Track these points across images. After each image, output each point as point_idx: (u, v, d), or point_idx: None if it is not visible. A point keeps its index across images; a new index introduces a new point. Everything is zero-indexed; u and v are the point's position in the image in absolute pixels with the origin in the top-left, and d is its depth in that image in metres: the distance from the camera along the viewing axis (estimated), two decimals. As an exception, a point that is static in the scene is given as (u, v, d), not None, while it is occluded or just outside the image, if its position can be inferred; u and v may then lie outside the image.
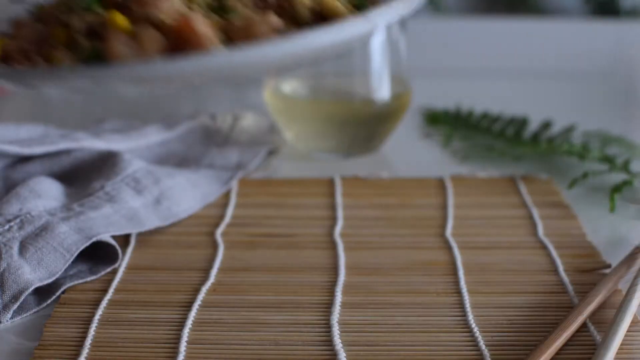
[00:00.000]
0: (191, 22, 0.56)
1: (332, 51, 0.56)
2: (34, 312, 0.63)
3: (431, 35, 1.52)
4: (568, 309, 0.63)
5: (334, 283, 0.67)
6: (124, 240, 0.74)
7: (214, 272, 0.69)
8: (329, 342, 0.59)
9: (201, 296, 0.65)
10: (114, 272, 0.69)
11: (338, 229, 0.77)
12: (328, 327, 0.61)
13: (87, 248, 0.68)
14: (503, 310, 0.63)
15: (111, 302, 0.64)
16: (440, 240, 0.75)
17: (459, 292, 0.66)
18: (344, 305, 0.64)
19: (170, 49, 0.57)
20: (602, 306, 0.64)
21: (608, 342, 0.57)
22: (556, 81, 1.32)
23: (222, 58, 0.53)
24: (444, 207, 0.82)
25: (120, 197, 0.76)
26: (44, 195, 0.74)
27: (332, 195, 0.85)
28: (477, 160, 0.96)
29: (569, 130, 1.02)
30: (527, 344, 0.59)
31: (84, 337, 0.59)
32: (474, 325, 0.61)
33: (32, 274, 0.64)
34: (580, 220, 0.79)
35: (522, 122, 1.05)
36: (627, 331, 0.59)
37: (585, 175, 0.86)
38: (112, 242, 0.70)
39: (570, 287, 0.67)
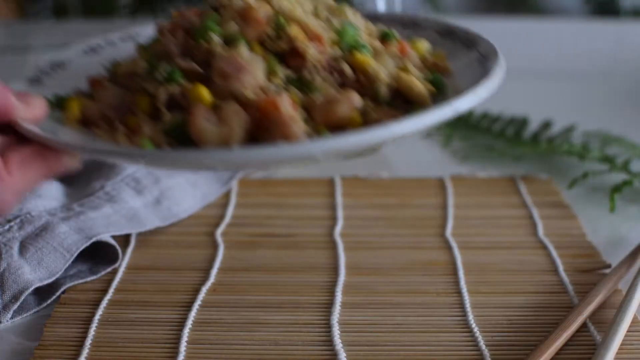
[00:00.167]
0: (277, 102, 0.57)
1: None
2: (34, 312, 0.63)
3: (431, 35, 1.52)
4: (568, 309, 0.63)
5: (334, 283, 0.67)
6: (124, 240, 0.74)
7: (214, 272, 0.69)
8: (329, 342, 0.59)
9: (201, 296, 0.65)
10: (114, 272, 0.69)
11: (338, 229, 0.77)
12: (328, 327, 0.61)
13: (87, 248, 0.68)
14: (503, 310, 0.63)
15: (111, 302, 0.64)
16: (440, 240, 0.75)
17: (459, 292, 0.66)
18: (344, 305, 0.64)
19: (252, 126, 0.57)
20: (602, 306, 0.64)
21: (608, 342, 0.57)
22: (556, 81, 1.32)
23: (307, 148, 0.53)
24: (444, 207, 0.82)
25: (120, 197, 0.76)
26: (44, 195, 0.74)
27: (332, 195, 0.85)
28: (477, 160, 0.96)
29: (569, 130, 1.02)
30: (527, 344, 0.59)
31: (84, 337, 0.59)
32: (474, 325, 0.61)
33: (32, 274, 0.64)
34: (580, 220, 0.79)
35: (522, 122, 1.05)
36: (627, 331, 0.59)
37: (585, 175, 0.86)
38: (112, 242, 0.70)
39: (570, 287, 0.67)
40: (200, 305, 0.63)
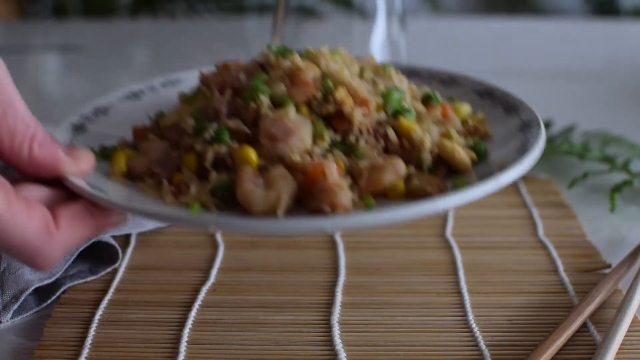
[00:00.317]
0: (325, 169, 0.57)
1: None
2: (34, 312, 0.63)
3: (431, 35, 1.52)
4: (568, 309, 0.64)
5: (334, 283, 0.67)
6: (124, 240, 0.74)
7: (214, 272, 0.69)
8: (329, 342, 0.59)
9: (201, 296, 0.65)
10: (114, 272, 0.69)
11: (338, 229, 0.77)
12: (328, 327, 0.61)
13: (87, 248, 0.69)
14: (503, 310, 0.63)
15: (111, 302, 0.64)
16: (440, 240, 0.75)
17: (459, 292, 0.66)
18: (344, 305, 0.64)
19: (298, 190, 0.58)
20: (602, 306, 0.64)
21: (608, 342, 0.57)
22: (556, 81, 1.32)
23: (354, 221, 0.54)
24: (444, 207, 0.82)
25: (120, 197, 0.75)
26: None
27: (332, 195, 0.85)
28: (477, 160, 0.96)
29: (569, 130, 1.02)
30: (527, 344, 0.59)
31: (84, 337, 0.59)
32: (474, 325, 0.61)
33: (32, 274, 0.64)
34: (580, 220, 0.79)
35: (522, 122, 1.05)
36: (627, 331, 0.59)
37: (585, 175, 0.86)
38: (112, 242, 0.70)
39: (570, 287, 0.67)
40: (200, 305, 0.63)
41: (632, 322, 0.60)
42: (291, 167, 0.58)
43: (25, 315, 0.63)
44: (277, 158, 0.59)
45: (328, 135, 0.61)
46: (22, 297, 0.62)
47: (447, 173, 0.62)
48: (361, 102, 0.62)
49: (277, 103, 0.62)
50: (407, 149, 0.62)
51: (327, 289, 0.66)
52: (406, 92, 0.66)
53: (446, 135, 0.64)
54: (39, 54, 1.42)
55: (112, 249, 0.70)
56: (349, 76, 0.64)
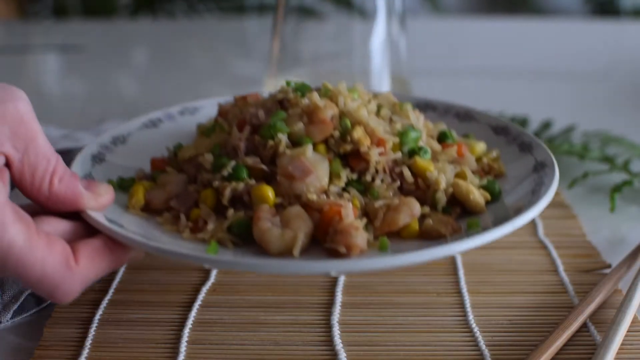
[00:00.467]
0: (341, 211, 0.58)
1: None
2: (34, 312, 0.63)
3: (431, 35, 1.52)
4: (568, 309, 0.64)
5: (334, 283, 0.67)
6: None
7: (214, 272, 0.69)
8: (329, 342, 0.59)
9: (201, 296, 0.65)
10: (114, 272, 0.69)
11: (338, 229, 0.77)
12: (328, 327, 0.61)
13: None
14: (503, 310, 0.63)
15: (111, 302, 0.64)
16: (440, 240, 0.75)
17: (459, 292, 0.66)
18: (344, 305, 0.64)
19: (314, 228, 0.59)
20: (602, 306, 0.64)
21: (608, 342, 0.57)
22: (556, 81, 1.32)
23: (368, 265, 0.55)
24: (444, 207, 0.82)
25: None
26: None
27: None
28: (477, 160, 0.96)
29: (569, 130, 1.02)
30: (527, 344, 0.59)
31: (84, 337, 0.59)
32: (474, 325, 0.61)
33: (32, 274, 0.64)
34: (580, 220, 0.79)
35: (522, 122, 1.05)
36: (627, 331, 0.59)
37: (585, 175, 0.86)
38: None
39: (570, 287, 0.67)
40: (200, 305, 0.63)
41: (632, 322, 0.60)
42: (308, 206, 0.59)
43: (25, 315, 0.63)
44: (294, 196, 0.60)
45: (344, 174, 0.62)
46: (22, 297, 0.62)
47: (461, 212, 0.63)
48: (378, 142, 0.63)
49: (295, 141, 0.63)
50: (422, 189, 0.64)
51: (327, 289, 0.66)
52: (422, 130, 0.67)
53: (461, 175, 0.65)
54: (39, 54, 1.42)
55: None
56: (366, 115, 0.64)
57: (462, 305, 0.64)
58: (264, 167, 0.62)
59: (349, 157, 0.63)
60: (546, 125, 1.04)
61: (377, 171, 0.63)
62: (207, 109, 0.77)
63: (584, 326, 0.61)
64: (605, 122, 1.04)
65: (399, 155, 0.64)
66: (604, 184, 0.88)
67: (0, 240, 0.50)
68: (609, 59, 1.45)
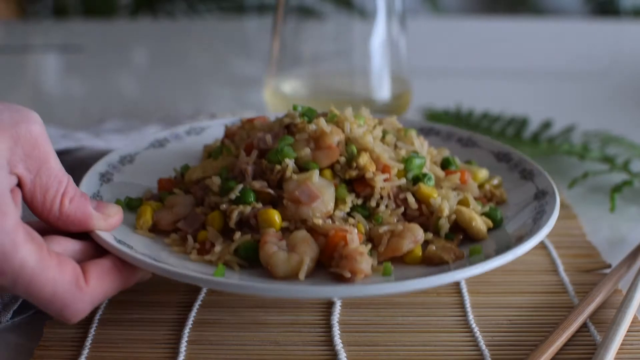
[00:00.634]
0: (347, 237, 0.60)
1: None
2: (34, 312, 0.63)
3: (431, 35, 1.52)
4: (568, 309, 0.63)
5: (334, 283, 0.67)
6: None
7: (214, 272, 0.69)
8: (329, 342, 0.59)
9: (201, 296, 0.65)
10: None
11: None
12: (328, 327, 0.61)
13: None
14: (503, 310, 0.63)
15: (111, 302, 0.64)
16: (440, 240, 0.75)
17: (459, 292, 0.66)
18: (344, 305, 0.64)
19: (319, 253, 0.60)
20: (602, 306, 0.64)
21: (608, 342, 0.57)
22: (556, 81, 1.32)
23: (373, 290, 0.56)
24: (444, 207, 0.82)
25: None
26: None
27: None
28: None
29: (569, 130, 1.02)
30: (527, 344, 0.59)
31: (84, 337, 0.59)
32: (474, 325, 0.61)
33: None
34: (580, 220, 0.79)
35: (522, 122, 1.05)
36: (627, 331, 0.59)
37: (585, 175, 0.86)
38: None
39: (570, 287, 0.67)
40: (200, 305, 0.63)
41: (632, 322, 0.60)
42: (313, 230, 0.61)
43: (25, 315, 0.63)
44: (300, 221, 0.61)
45: (350, 199, 0.63)
46: (22, 297, 0.62)
47: (463, 239, 0.64)
48: (383, 168, 0.65)
49: (302, 166, 0.64)
50: (426, 215, 0.65)
51: (327, 289, 0.66)
52: (426, 156, 0.68)
53: (464, 202, 0.66)
54: (39, 54, 1.42)
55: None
56: (372, 141, 0.66)
57: (462, 305, 0.64)
58: (270, 191, 0.63)
59: (354, 183, 0.64)
60: (546, 125, 1.04)
61: (381, 197, 0.64)
62: (214, 129, 0.78)
63: (584, 326, 0.61)
64: (605, 122, 1.04)
65: (403, 181, 0.65)
66: (604, 184, 0.88)
67: (12, 260, 0.51)
68: (609, 59, 1.45)
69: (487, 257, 0.58)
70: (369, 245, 0.61)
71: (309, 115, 0.67)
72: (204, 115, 0.99)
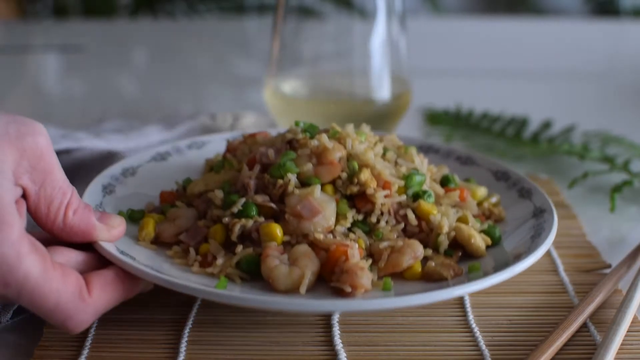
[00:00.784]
0: (348, 252, 0.61)
1: None
2: (34, 313, 0.63)
3: (431, 35, 1.52)
4: (568, 309, 0.63)
5: (334, 283, 0.67)
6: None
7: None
8: (329, 342, 0.59)
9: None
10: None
11: (338, 229, 0.77)
12: (328, 327, 0.61)
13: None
14: (503, 310, 0.63)
15: (111, 302, 0.64)
16: (440, 240, 0.75)
17: (459, 292, 0.66)
18: (344, 305, 0.64)
19: (320, 267, 0.61)
20: (602, 306, 0.64)
21: (608, 342, 0.57)
22: (556, 81, 1.32)
23: (372, 305, 0.57)
24: (444, 207, 0.82)
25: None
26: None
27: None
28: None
29: (569, 130, 1.02)
30: (527, 344, 0.59)
31: (84, 337, 0.59)
32: (474, 325, 0.61)
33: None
34: (580, 220, 0.79)
35: (522, 122, 1.05)
36: (627, 331, 0.59)
37: (585, 175, 0.86)
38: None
39: (570, 287, 0.67)
40: (200, 306, 0.63)
41: (632, 322, 0.60)
42: (315, 245, 0.61)
43: (25, 315, 0.63)
44: (301, 235, 0.62)
45: (350, 215, 0.64)
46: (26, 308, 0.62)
47: (462, 255, 0.65)
48: (384, 185, 0.65)
49: (304, 181, 0.64)
50: (426, 231, 0.65)
51: (327, 289, 0.66)
52: (426, 173, 0.69)
53: (463, 219, 0.67)
54: (39, 54, 1.42)
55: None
56: (373, 158, 0.66)
57: (462, 305, 0.64)
58: (273, 205, 0.64)
59: (355, 199, 0.65)
60: (546, 125, 1.04)
61: (382, 213, 0.65)
62: (215, 144, 0.79)
63: (584, 326, 0.61)
64: (605, 122, 1.04)
65: (403, 198, 0.66)
66: (604, 184, 0.88)
67: (16, 271, 0.51)
68: (609, 59, 1.45)
69: (486, 274, 0.60)
70: (369, 261, 0.61)
71: (311, 131, 0.68)
72: (204, 115, 0.99)
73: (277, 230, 0.62)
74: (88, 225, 0.58)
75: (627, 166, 0.88)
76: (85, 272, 0.56)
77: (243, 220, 0.62)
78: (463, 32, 1.60)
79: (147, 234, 0.64)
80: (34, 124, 0.55)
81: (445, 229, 0.64)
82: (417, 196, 0.66)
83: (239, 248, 0.61)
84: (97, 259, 0.58)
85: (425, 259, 0.63)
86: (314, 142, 0.65)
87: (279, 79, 0.95)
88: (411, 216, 0.65)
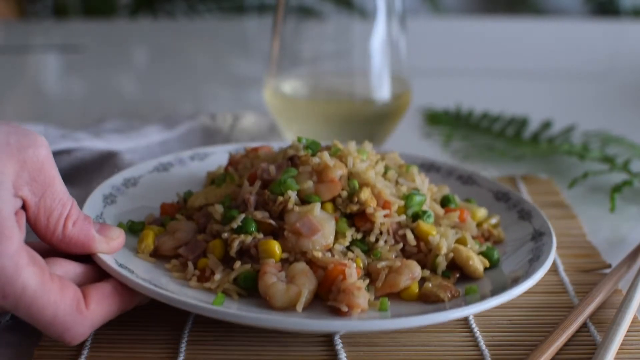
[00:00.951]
0: (346, 271, 0.61)
1: None
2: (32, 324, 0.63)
3: (431, 35, 1.52)
4: (568, 309, 0.63)
5: (334, 283, 0.67)
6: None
7: (214, 272, 0.69)
8: (329, 342, 0.59)
9: (201, 296, 0.65)
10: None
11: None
12: (328, 327, 0.61)
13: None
14: (503, 310, 0.63)
15: (111, 302, 0.64)
16: (440, 240, 0.75)
17: (459, 292, 0.66)
18: (344, 305, 0.64)
19: (317, 286, 0.61)
20: (602, 306, 0.64)
21: (608, 342, 0.57)
22: (556, 81, 1.32)
23: (370, 326, 0.57)
24: (444, 207, 0.82)
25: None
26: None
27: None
28: (478, 160, 0.96)
29: (569, 130, 1.02)
30: (527, 344, 0.59)
31: (84, 337, 0.59)
32: (474, 325, 0.61)
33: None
34: (580, 220, 0.79)
35: (522, 122, 1.05)
36: (627, 331, 0.59)
37: (585, 175, 0.86)
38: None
39: (570, 287, 0.67)
40: (200, 305, 0.63)
41: (632, 322, 0.60)
42: (313, 263, 0.61)
43: (25, 315, 0.62)
44: (300, 252, 0.62)
45: (349, 233, 0.64)
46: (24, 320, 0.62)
47: (460, 277, 0.65)
48: (384, 204, 0.65)
49: (304, 198, 0.65)
50: (424, 252, 0.66)
51: (327, 289, 0.66)
52: (427, 193, 0.69)
53: (462, 240, 0.67)
54: (39, 54, 1.42)
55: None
56: (374, 177, 0.66)
57: (462, 305, 0.64)
58: (272, 222, 0.64)
59: (355, 217, 0.65)
60: (546, 125, 1.04)
61: (381, 232, 0.65)
62: (217, 156, 0.79)
63: (584, 326, 0.61)
64: (605, 122, 1.04)
65: (403, 217, 0.66)
66: (604, 184, 0.88)
67: (14, 283, 0.52)
68: (609, 59, 1.45)
69: (483, 297, 0.60)
70: (367, 280, 0.61)
71: (313, 148, 0.68)
72: (204, 115, 0.99)
73: (276, 247, 0.62)
74: (87, 237, 0.58)
75: (627, 166, 0.88)
76: (83, 284, 0.57)
77: (242, 236, 0.63)
78: (463, 32, 1.60)
79: (147, 247, 0.65)
80: (35, 135, 0.55)
81: (444, 250, 0.64)
82: (416, 216, 0.66)
83: (237, 264, 0.62)
84: (95, 270, 0.59)
85: (422, 280, 0.63)
86: (315, 160, 0.66)
87: (279, 79, 0.95)
88: (410, 236, 0.65)
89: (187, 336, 0.59)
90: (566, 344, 0.58)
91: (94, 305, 0.55)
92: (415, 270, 0.62)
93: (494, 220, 0.71)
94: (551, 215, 0.80)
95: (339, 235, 0.64)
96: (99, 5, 2.23)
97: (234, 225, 0.63)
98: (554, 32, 1.62)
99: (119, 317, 0.61)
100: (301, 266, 0.61)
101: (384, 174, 0.69)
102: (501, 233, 0.70)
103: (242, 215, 0.64)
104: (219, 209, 0.65)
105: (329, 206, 0.64)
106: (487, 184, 0.77)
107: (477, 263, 0.64)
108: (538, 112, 1.07)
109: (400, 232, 0.65)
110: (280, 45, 0.93)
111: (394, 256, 0.64)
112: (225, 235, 0.63)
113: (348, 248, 0.64)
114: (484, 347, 0.59)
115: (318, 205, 0.63)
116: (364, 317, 0.58)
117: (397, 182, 0.69)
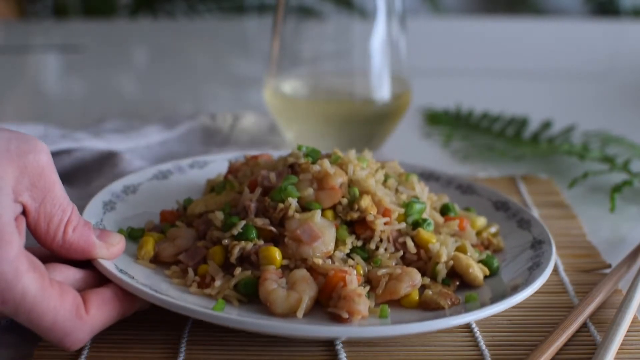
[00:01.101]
0: (346, 278, 0.61)
1: None
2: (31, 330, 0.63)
3: (431, 35, 1.52)
4: (568, 309, 0.63)
5: (334, 283, 0.67)
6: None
7: (214, 272, 0.69)
8: (329, 342, 0.59)
9: (201, 296, 0.65)
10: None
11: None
12: (328, 327, 0.61)
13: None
14: (503, 311, 0.63)
15: (111, 302, 0.64)
16: (440, 241, 0.75)
17: (459, 292, 0.66)
18: (344, 305, 0.64)
19: (318, 292, 0.61)
20: (602, 306, 0.64)
21: (608, 342, 0.57)
22: (556, 81, 1.32)
23: (370, 332, 0.57)
24: (444, 207, 0.82)
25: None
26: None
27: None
28: (478, 160, 0.96)
29: (569, 130, 1.02)
30: (527, 344, 0.59)
31: (84, 337, 0.59)
32: (474, 325, 0.61)
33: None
34: (580, 220, 0.79)
35: (522, 122, 1.05)
36: (627, 331, 0.59)
37: (585, 175, 0.86)
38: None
39: (570, 287, 0.67)
40: (200, 305, 0.63)
41: (632, 322, 0.60)
42: (313, 270, 0.62)
43: (25, 315, 0.62)
44: (300, 259, 0.62)
45: (350, 241, 0.64)
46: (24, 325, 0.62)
47: (460, 284, 0.65)
48: (384, 212, 0.66)
49: (305, 206, 0.65)
50: (424, 260, 0.66)
51: (327, 289, 0.66)
52: (427, 202, 0.69)
53: (462, 248, 0.67)
54: (39, 54, 1.42)
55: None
56: (374, 184, 0.67)
57: (462, 305, 0.64)
58: (272, 229, 0.64)
59: (355, 225, 0.65)
60: (546, 125, 1.04)
61: (381, 240, 0.65)
62: (217, 164, 0.79)
63: (584, 326, 0.61)
64: (605, 122, 1.04)
65: (403, 225, 0.66)
66: (604, 184, 0.88)
67: (14, 289, 0.52)
68: (609, 59, 1.45)
69: (483, 304, 0.60)
70: (367, 287, 0.61)
71: (313, 155, 0.68)
72: (203, 115, 0.99)
73: (276, 253, 0.62)
74: (87, 242, 0.58)
75: (627, 166, 0.88)
76: (83, 289, 0.57)
77: (242, 243, 0.63)
78: (463, 32, 1.60)
79: (147, 253, 0.65)
80: (35, 141, 0.55)
81: (444, 258, 0.64)
82: (416, 224, 0.66)
83: (238, 270, 0.62)
84: (95, 276, 0.59)
85: (422, 287, 0.63)
86: (316, 167, 0.66)
87: (279, 79, 0.95)
88: (410, 244, 0.65)
89: (186, 337, 0.59)
90: (566, 344, 0.58)
91: (93, 310, 0.55)
92: (415, 277, 0.62)
93: (493, 229, 0.71)
94: (551, 215, 0.80)
95: (339, 242, 0.64)
96: (99, 5, 2.23)
97: (235, 231, 0.63)
98: (554, 32, 1.62)
99: (119, 317, 0.61)
100: (302, 273, 0.61)
101: (384, 182, 0.69)
102: (500, 241, 0.70)
103: (243, 222, 0.64)
104: (219, 215, 0.65)
105: (330, 213, 0.65)
106: (486, 193, 0.77)
107: (477, 271, 0.64)
108: (538, 112, 1.07)
109: (401, 239, 0.65)
110: (280, 45, 0.93)
111: (394, 264, 0.64)
112: (226, 241, 0.63)
113: (348, 255, 0.64)
114: (484, 347, 0.59)
115: (318, 212, 0.64)
116: (364, 324, 0.58)
117: (397, 190, 0.70)
